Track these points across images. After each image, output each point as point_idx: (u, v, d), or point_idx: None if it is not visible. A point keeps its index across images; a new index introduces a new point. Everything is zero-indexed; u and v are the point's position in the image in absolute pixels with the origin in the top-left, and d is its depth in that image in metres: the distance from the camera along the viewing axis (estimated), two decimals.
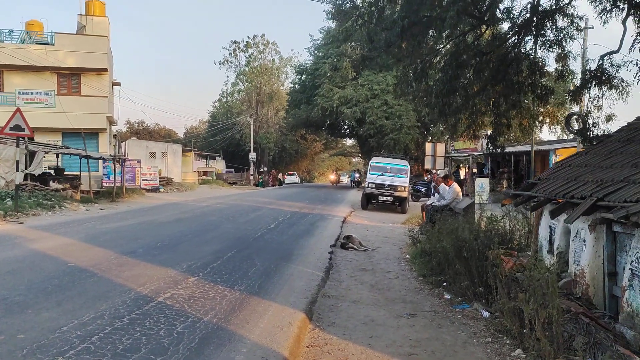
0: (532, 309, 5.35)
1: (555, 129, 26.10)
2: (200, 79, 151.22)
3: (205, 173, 53.89)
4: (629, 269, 5.81)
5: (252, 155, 56.05)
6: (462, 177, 34.43)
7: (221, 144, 64.62)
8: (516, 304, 5.32)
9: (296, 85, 51.82)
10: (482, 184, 24.87)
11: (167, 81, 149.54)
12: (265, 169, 61.66)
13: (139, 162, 31.95)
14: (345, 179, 66.33)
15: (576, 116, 9.73)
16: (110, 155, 28.11)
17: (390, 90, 32.01)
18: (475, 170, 32.95)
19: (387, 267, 9.89)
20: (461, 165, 38.42)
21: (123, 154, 34.18)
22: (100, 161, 27.75)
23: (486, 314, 6.45)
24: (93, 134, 30.90)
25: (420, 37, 8.09)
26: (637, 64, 7.03)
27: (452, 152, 35.76)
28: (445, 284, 8.04)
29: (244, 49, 65.66)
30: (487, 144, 9.78)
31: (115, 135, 38.51)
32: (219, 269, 8.47)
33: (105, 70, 31.68)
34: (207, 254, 9.66)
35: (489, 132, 9.72)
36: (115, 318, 5.63)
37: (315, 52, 47.16)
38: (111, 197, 23.87)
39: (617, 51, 8.53)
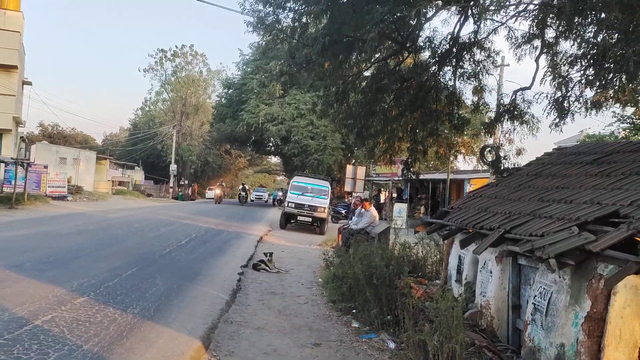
0: (437, 341, 5.19)
1: (470, 159, 27.20)
2: (123, 86, 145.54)
3: (120, 183, 51.36)
4: (532, 303, 5.82)
5: (173, 167, 54.20)
6: (382, 201, 34.96)
7: (141, 153, 62.09)
8: (421, 337, 5.12)
9: (222, 99, 50.99)
10: (400, 209, 25.33)
11: (88, 85, 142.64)
12: (186, 182, 59.80)
13: (45, 167, 29.79)
14: (255, 195, 58.73)
15: (489, 148, 9.97)
16: (12, 158, 25.96)
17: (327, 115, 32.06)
18: (394, 195, 33.60)
19: (298, 291, 9.54)
20: (382, 190, 39.10)
21: (29, 157, 31.80)
22: (2, 164, 25.57)
23: (392, 345, 6.24)
24: None
25: (342, 57, 7.97)
26: (547, 96, 7.25)
27: (374, 176, 36.32)
28: (354, 311, 7.81)
29: (171, 58, 63.94)
30: (402, 169, 9.80)
31: (22, 137, 35.85)
32: (114, 288, 7.75)
33: (16, 67, 29.49)
34: (103, 271, 8.87)
35: (404, 158, 9.76)
36: None
37: (244, 67, 46.70)
38: (10, 203, 21.95)
39: (529, 87, 8.84)
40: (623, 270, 4.42)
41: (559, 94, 7.23)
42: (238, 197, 45.49)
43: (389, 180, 33.84)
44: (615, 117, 22.23)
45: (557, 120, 7.48)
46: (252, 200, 52.46)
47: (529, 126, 9.48)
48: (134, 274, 8.99)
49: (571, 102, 7.25)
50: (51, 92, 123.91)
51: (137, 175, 59.73)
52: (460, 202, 8.98)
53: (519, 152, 9.77)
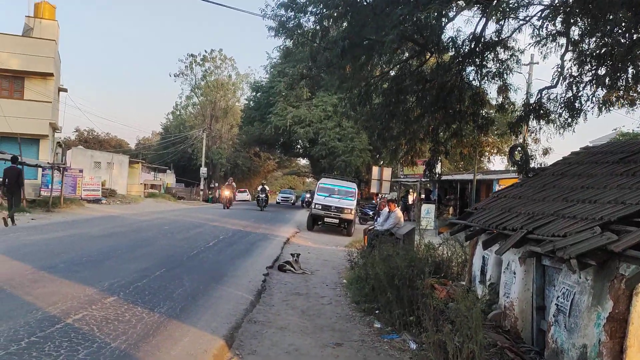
0: (458, 341, 5.19)
1: (501, 159, 26.79)
2: (154, 91, 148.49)
3: (152, 186, 52.38)
4: (555, 304, 5.76)
5: (203, 170, 55.02)
6: (410, 202, 34.75)
7: (172, 157, 63.23)
8: (441, 337, 5.14)
9: (251, 102, 51.48)
10: (428, 210, 25.18)
11: (120, 91, 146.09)
12: (217, 184, 60.59)
13: (81, 171, 30.62)
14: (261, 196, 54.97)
15: (519, 148, 9.87)
16: (48, 162, 26.81)
17: (350, 116, 32.01)
18: (422, 196, 33.35)
19: (322, 292, 9.62)
20: (410, 191, 38.85)
21: (65, 162, 32.76)
22: (40, 169, 26.42)
23: (414, 346, 6.26)
24: (34, 140, 29.49)
25: (363, 60, 8.01)
26: (556, 96, 7.11)
27: (402, 177, 36.13)
28: (377, 311, 7.84)
29: (201, 62, 64.95)
30: (424, 170, 9.79)
31: (59, 143, 36.95)
32: (142, 288, 7.98)
33: (51, 75, 30.42)
34: (133, 272, 9.12)
35: (427, 159, 9.74)
36: (12, 341, 5.11)
37: (272, 70, 47.08)
38: (47, 206, 22.68)
39: (555, 86, 8.70)
40: None
41: (570, 93, 7.12)
42: (256, 200, 36.53)
43: (417, 181, 33.60)
44: None
45: (570, 119, 7.37)
46: (278, 203, 51.65)
47: (555, 125, 9.33)
48: (162, 275, 9.22)
49: (583, 102, 7.13)
50: (86, 99, 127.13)
51: (169, 179, 60.83)
52: (484, 203, 8.91)
53: (545, 152, 9.61)
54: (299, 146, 49.75)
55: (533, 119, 9.41)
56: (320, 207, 22.78)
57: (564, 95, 7.20)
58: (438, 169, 9.82)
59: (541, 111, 9.18)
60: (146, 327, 6.01)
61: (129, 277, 8.69)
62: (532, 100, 9.58)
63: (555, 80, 8.68)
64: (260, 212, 33.02)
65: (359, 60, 7.88)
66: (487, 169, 37.50)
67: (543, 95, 9.20)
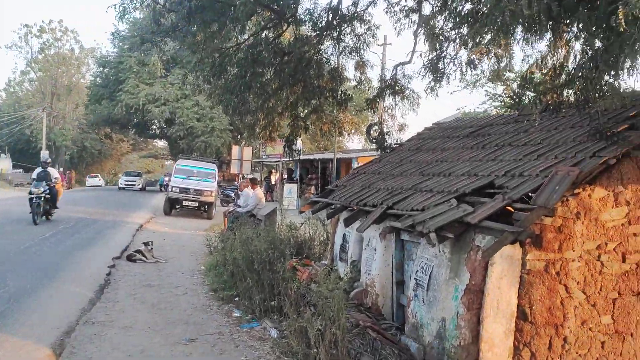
0: (320, 325, 4.87)
1: (359, 138, 27.58)
2: None
3: None
4: (414, 278, 5.71)
5: (44, 153, 49.49)
6: (273, 182, 34.58)
7: (7, 139, 56.06)
8: (301, 323, 4.77)
9: (97, 79, 47.16)
10: (290, 190, 25.17)
11: None
12: (61, 169, 55.08)
13: None
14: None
15: (375, 126, 9.88)
16: None
17: (203, 90, 30.16)
18: (285, 176, 33.35)
19: (177, 281, 8.83)
20: (273, 171, 38.68)
21: None
22: None
23: (275, 334, 5.85)
24: None
25: (215, 28, 7.31)
26: (420, 54, 7.12)
27: (264, 157, 35.77)
28: (237, 299, 7.32)
29: (38, 34, 58.09)
30: (284, 147, 9.42)
31: None
32: None
33: None
34: None
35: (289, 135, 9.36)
36: None
37: (120, 43, 43.51)
38: None
39: (409, 62, 8.77)
40: (499, 241, 4.36)
41: (433, 54, 7.20)
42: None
43: (278, 161, 33.48)
44: (487, 95, 23.63)
45: (433, 83, 7.46)
46: (121, 188, 42.89)
47: (409, 102, 9.47)
48: None
49: (446, 64, 7.26)
50: None
51: (4, 164, 54.01)
52: (344, 180, 8.78)
53: (401, 128, 9.74)
54: (154, 127, 46.94)
55: (389, 95, 9.44)
56: (177, 190, 21.52)
57: (427, 56, 7.22)
58: (299, 146, 9.46)
59: (396, 87, 9.22)
60: None
61: None
62: (387, 77, 9.59)
63: (410, 56, 8.76)
64: (112, 197, 30.50)
65: (209, 27, 7.17)
66: (347, 148, 38.66)
67: (398, 71, 9.25)
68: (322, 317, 4.90)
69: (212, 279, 8.52)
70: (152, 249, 10.76)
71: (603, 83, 3.96)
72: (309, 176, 30.63)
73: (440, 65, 7.14)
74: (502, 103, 23.13)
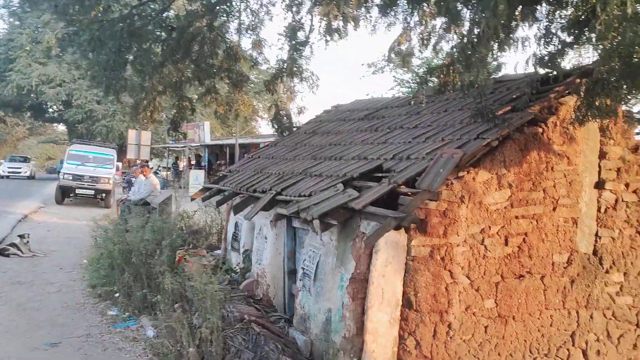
0: (198, 323, 4.44)
1: (267, 122, 26.97)
2: None
3: None
4: (301, 267, 5.42)
5: None
6: (180, 169, 33.27)
7: None
8: (171, 324, 4.31)
9: None
10: (197, 176, 24.20)
11: None
12: None
13: None
14: None
15: (277, 109, 9.50)
16: None
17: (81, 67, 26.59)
18: (193, 162, 32.19)
19: (53, 278, 7.98)
20: (180, 157, 37.20)
21: None
22: None
23: (151, 333, 5.33)
24: None
25: None
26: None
27: (171, 142, 34.25)
28: (116, 295, 6.68)
29: None
30: (168, 129, 8.78)
31: None
32: None
33: None
34: None
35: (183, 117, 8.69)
36: None
37: (10, 19, 39.76)
38: None
39: (307, 42, 8.41)
40: (382, 227, 4.13)
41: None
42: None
43: (184, 146, 32.20)
44: (395, 81, 23.97)
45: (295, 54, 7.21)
46: (5, 177, 35.66)
47: (309, 83, 9.15)
48: None
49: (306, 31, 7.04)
50: None
51: None
52: (238, 165, 8.35)
53: (300, 111, 9.42)
54: (51, 110, 43.52)
55: (287, 76, 9.06)
56: (70, 177, 19.94)
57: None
58: (207, 132, 8.81)
59: (294, 68, 8.85)
60: None
61: None
62: (285, 57, 9.19)
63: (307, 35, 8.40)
64: (10, 183, 27.60)
65: None
66: (259, 133, 37.95)
67: (297, 52, 8.87)
68: (199, 313, 4.48)
69: (91, 273, 7.78)
70: (28, 242, 9.73)
71: (476, 61, 3.80)
72: (218, 162, 29.75)
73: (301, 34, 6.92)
74: (410, 89, 23.58)
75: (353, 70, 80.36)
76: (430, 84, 5.56)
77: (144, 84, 7.48)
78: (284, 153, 7.45)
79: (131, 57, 7.28)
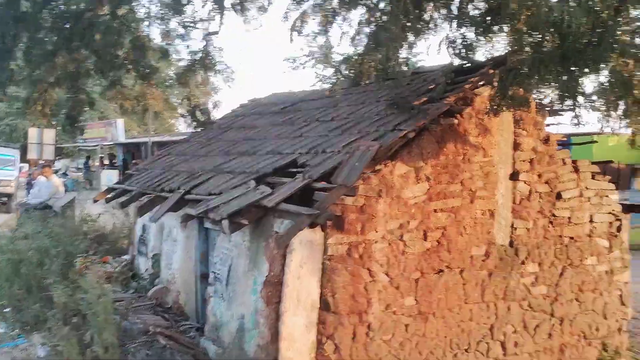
0: (90, 339, 3.94)
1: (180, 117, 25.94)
2: None
3: None
4: (212, 271, 5.03)
5: None
6: (92, 169, 31.38)
7: None
8: (56, 343, 3.79)
9: None
10: (110, 177, 22.90)
11: None
12: None
13: None
14: None
15: (189, 102, 9.00)
16: None
17: None
18: (106, 161, 30.49)
19: None
20: (92, 156, 35.07)
21: None
22: None
23: (43, 352, 4.74)
24: None
25: None
26: None
27: (81, 141, 32.20)
28: (6, 310, 5.95)
29: None
30: (63, 125, 8.06)
31: None
32: None
33: None
34: None
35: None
36: None
37: None
38: None
39: (217, 32, 8.00)
40: (295, 225, 3.84)
41: None
42: None
43: (97, 145, 30.41)
44: (317, 77, 23.79)
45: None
46: None
47: (224, 77, 8.76)
48: None
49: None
50: None
51: None
52: (146, 163, 7.78)
53: (215, 105, 8.97)
54: None
55: (200, 69, 8.60)
56: None
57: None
58: (121, 130, 8.13)
59: (207, 61, 8.40)
60: None
61: None
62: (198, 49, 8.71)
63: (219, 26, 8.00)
64: None
65: None
66: (178, 131, 36.55)
67: (209, 43, 8.42)
68: (93, 329, 3.98)
69: None
70: None
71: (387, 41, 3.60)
72: (133, 161, 28.32)
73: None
74: (331, 85, 23.53)
75: (277, 66, 79.82)
76: (346, 74, 5.35)
77: (32, 75, 6.73)
78: (195, 149, 6.99)
79: (21, 46, 6.50)
